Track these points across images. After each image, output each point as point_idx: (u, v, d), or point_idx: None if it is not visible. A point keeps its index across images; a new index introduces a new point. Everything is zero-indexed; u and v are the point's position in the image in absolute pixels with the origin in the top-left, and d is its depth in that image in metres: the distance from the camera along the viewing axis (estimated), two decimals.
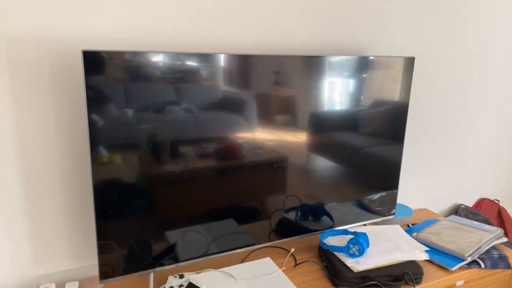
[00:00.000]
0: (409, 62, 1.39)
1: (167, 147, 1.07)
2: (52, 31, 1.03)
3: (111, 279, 1.05)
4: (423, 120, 1.71)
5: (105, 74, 0.94)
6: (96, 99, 0.95)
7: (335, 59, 1.24)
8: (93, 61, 0.93)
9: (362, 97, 1.33)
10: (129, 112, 1.00)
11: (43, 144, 1.08)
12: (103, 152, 0.98)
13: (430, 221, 1.56)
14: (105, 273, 1.04)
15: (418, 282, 1.19)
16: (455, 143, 1.83)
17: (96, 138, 0.97)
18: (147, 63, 0.98)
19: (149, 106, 1.02)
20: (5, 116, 1.03)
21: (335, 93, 1.28)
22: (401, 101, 1.41)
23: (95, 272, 1.19)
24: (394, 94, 1.39)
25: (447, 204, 1.91)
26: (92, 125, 0.96)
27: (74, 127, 1.11)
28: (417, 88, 1.65)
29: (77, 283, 1.11)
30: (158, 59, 1.00)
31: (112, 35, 1.09)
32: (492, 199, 1.97)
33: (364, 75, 1.31)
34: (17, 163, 1.07)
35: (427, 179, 1.80)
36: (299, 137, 1.26)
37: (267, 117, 1.19)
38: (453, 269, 1.25)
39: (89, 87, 0.93)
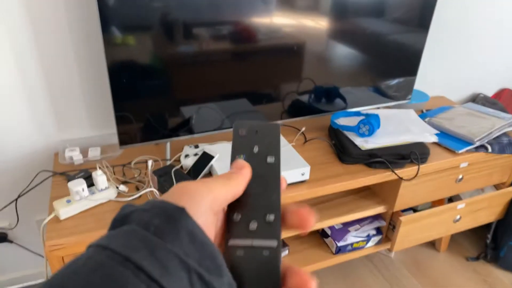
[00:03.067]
0: None
1: (181, 27, 1.02)
2: None
3: (129, 145, 1.12)
4: (451, 5, 1.56)
5: None
6: None
7: None
8: None
9: None
10: None
11: (53, 21, 1.05)
12: (115, 33, 0.95)
13: (445, 108, 1.54)
14: (124, 140, 1.10)
15: (423, 162, 1.23)
16: (480, 30, 1.69)
17: (106, 18, 0.93)
18: None
19: None
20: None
21: None
22: None
23: (115, 140, 1.26)
24: None
25: (466, 93, 1.86)
26: (102, 4, 0.91)
27: (84, 4, 1.06)
28: None
29: (99, 148, 1.19)
30: None
31: None
32: None
33: None
34: (30, 41, 1.05)
35: (446, 66, 1.72)
36: (320, 23, 1.17)
37: None
38: (460, 151, 1.28)
39: None
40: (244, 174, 0.30)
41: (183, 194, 0.26)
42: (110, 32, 0.95)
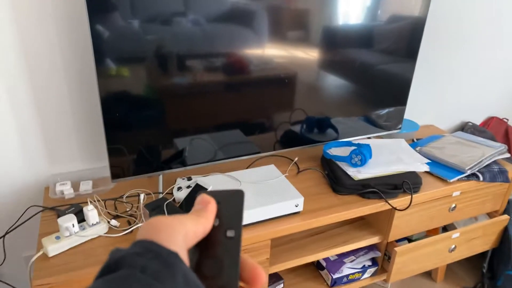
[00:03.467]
0: None
1: (174, 59, 1.04)
2: None
3: (122, 179, 1.11)
4: (436, 36, 1.62)
5: None
6: (98, 9, 0.91)
7: None
8: None
9: (378, 11, 1.24)
10: (135, 23, 0.95)
11: (47, 55, 1.06)
12: (109, 65, 0.97)
13: (435, 137, 1.57)
14: (116, 174, 1.10)
15: (416, 191, 1.23)
16: (467, 60, 1.75)
17: (100, 50, 0.95)
18: None
19: (155, 17, 0.97)
20: (7, 27, 0.99)
21: (351, 6, 1.19)
22: (419, 15, 1.32)
23: (107, 173, 1.25)
24: (411, 7, 1.30)
25: (455, 122, 1.90)
26: (95, 36, 0.93)
27: (78, 39, 1.08)
28: (434, 1, 1.53)
29: (90, 182, 1.17)
30: None
31: None
32: (501, 117, 1.95)
33: None
34: (23, 74, 1.06)
35: (435, 95, 1.77)
36: (310, 54, 1.21)
37: (278, 31, 1.13)
38: (452, 180, 1.29)
39: None
40: (211, 209, 0.31)
41: (159, 230, 0.27)
42: (103, 64, 0.97)
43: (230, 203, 0.31)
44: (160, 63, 1.03)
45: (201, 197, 0.32)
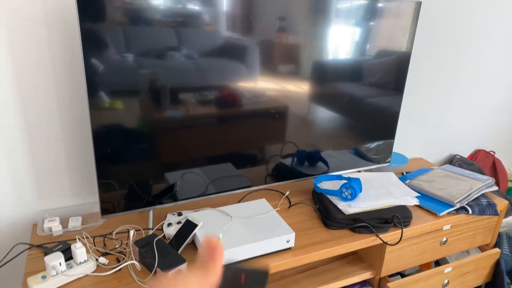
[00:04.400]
0: (416, 7, 1.34)
1: (168, 93, 1.07)
2: None
3: (112, 215, 1.10)
4: (423, 69, 1.68)
5: (101, 19, 0.92)
6: (92, 45, 0.93)
7: (341, 3, 1.20)
8: (88, 5, 0.90)
9: (367, 46, 1.30)
10: (129, 57, 0.98)
11: (41, 88, 1.08)
12: (101, 98, 0.99)
13: (424, 170, 1.59)
14: (106, 209, 1.09)
15: (407, 225, 1.24)
16: (454, 94, 1.81)
17: (93, 84, 0.97)
18: (147, 7, 0.95)
19: (149, 51, 1.00)
20: (2, 61, 1.02)
21: (340, 42, 1.25)
22: (404, 51, 1.38)
23: (97, 208, 1.24)
24: (398, 42, 1.35)
25: (443, 155, 1.93)
26: (89, 70, 0.95)
27: (72, 73, 1.10)
28: (418, 36, 1.60)
29: (80, 218, 1.16)
30: (158, 3, 0.96)
31: None
32: (488, 150, 1.99)
33: (369, 21, 1.27)
34: (16, 107, 1.07)
35: (423, 129, 1.81)
36: (301, 87, 1.25)
37: (269, 65, 1.17)
38: (441, 214, 1.30)
39: (84, 33, 0.91)
40: (218, 257, 0.30)
41: None
42: (96, 96, 0.98)
43: (254, 282, 0.30)
44: (153, 96, 1.05)
45: (207, 242, 0.31)
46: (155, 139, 1.10)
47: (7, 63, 1.03)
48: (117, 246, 1.08)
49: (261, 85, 1.18)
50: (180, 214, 1.19)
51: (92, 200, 1.26)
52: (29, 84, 1.07)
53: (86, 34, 0.92)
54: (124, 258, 1.03)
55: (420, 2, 1.34)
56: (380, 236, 1.18)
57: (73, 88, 1.13)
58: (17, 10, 1.00)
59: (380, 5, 1.27)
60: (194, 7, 1.01)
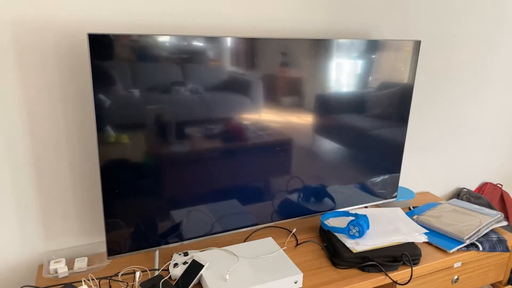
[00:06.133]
0: (416, 45, 1.38)
1: (173, 127, 1.09)
2: (58, 12, 1.03)
3: (118, 255, 1.09)
4: (427, 103, 1.70)
5: (111, 57, 0.96)
6: (102, 81, 0.97)
7: (341, 42, 1.24)
8: (99, 44, 0.94)
9: (369, 79, 1.33)
10: (136, 93, 1.01)
11: (51, 124, 1.11)
12: (110, 133, 1.01)
13: (431, 204, 1.58)
14: (113, 249, 1.08)
15: (416, 263, 1.22)
16: (459, 126, 1.82)
17: (102, 119, 0.99)
18: (153, 45, 0.99)
19: (155, 87, 1.03)
20: (13, 99, 1.05)
21: (341, 76, 1.28)
22: (407, 83, 1.41)
23: (103, 248, 1.24)
24: (399, 76, 1.38)
25: (450, 188, 1.92)
26: (98, 106, 0.97)
27: (82, 109, 1.13)
28: (422, 71, 1.64)
29: (86, 259, 1.15)
30: (164, 41, 1.00)
31: (116, 18, 1.10)
32: (495, 183, 1.98)
33: (370, 58, 1.31)
34: (26, 144, 1.10)
35: (430, 162, 1.81)
36: (305, 119, 1.27)
37: (273, 98, 1.19)
38: (451, 251, 1.28)
39: (95, 69, 0.95)
40: None
41: None
42: (104, 132, 0.99)
43: None
44: (159, 131, 1.07)
45: None
46: (161, 174, 1.10)
47: (19, 99, 1.07)
48: None
49: (265, 118, 1.20)
50: (186, 254, 1.18)
51: (98, 239, 1.26)
52: (39, 123, 1.10)
53: (96, 70, 0.95)
54: None
55: (419, 41, 1.38)
56: (389, 275, 1.16)
57: (81, 125, 1.15)
58: (30, 46, 1.04)
59: (377, 42, 1.31)
60: (199, 45, 1.05)
